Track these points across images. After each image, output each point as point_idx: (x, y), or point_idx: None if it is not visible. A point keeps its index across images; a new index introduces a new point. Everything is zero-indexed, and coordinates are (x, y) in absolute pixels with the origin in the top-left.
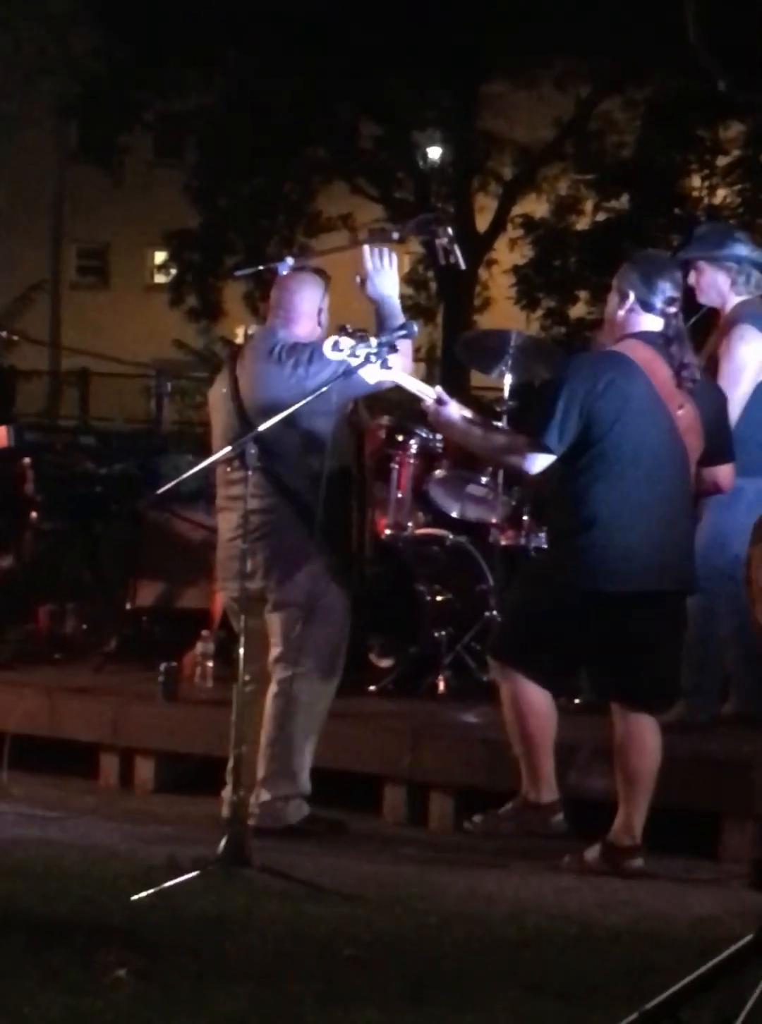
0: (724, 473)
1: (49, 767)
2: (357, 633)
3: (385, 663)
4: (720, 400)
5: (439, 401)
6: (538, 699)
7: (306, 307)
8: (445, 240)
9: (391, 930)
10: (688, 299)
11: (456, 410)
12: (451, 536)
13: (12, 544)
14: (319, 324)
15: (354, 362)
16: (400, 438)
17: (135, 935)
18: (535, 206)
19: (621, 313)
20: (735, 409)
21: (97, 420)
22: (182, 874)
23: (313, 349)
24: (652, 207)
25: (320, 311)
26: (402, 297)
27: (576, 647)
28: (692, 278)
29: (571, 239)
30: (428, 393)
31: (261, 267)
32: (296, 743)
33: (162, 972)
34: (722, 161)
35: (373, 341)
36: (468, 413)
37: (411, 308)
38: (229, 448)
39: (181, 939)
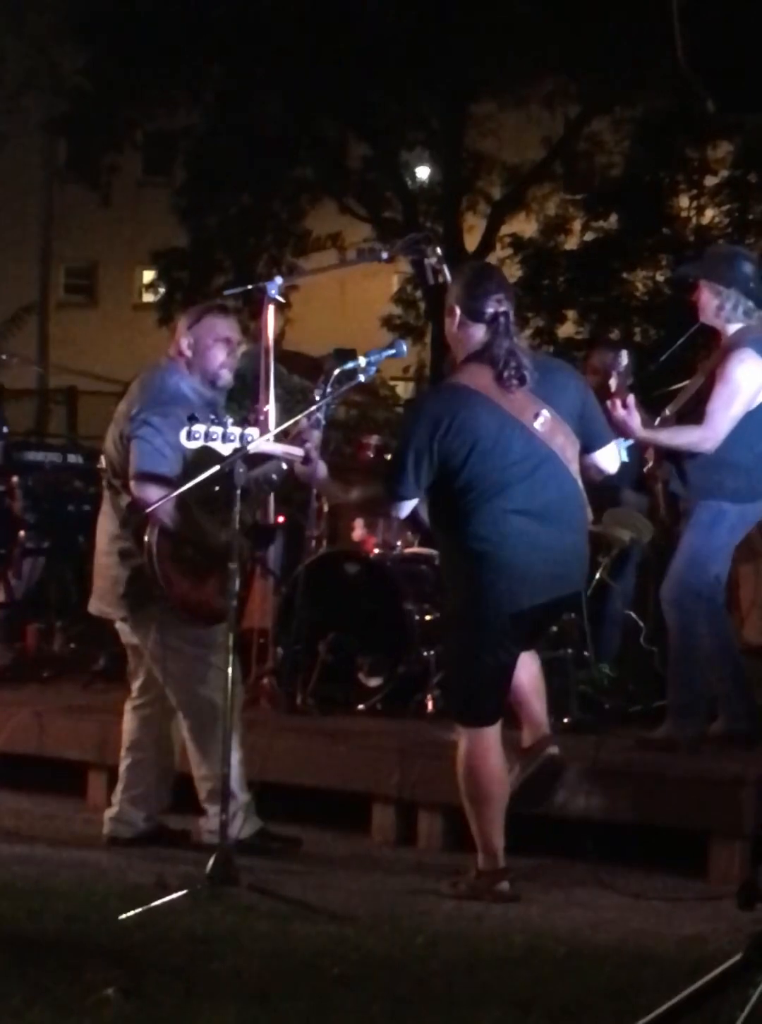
0: (604, 456)
1: (37, 785)
2: (345, 652)
3: (373, 682)
4: (580, 389)
5: (306, 460)
6: (497, 766)
7: (181, 332)
8: (434, 259)
9: (379, 949)
10: (683, 315)
11: (321, 470)
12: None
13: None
14: (205, 352)
15: (214, 445)
16: (388, 457)
17: (122, 954)
18: (524, 226)
19: (455, 331)
20: (722, 431)
21: (85, 438)
22: (170, 893)
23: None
24: (640, 227)
25: (203, 337)
26: (391, 316)
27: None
28: (696, 297)
29: (560, 258)
30: (295, 453)
31: (250, 287)
32: (214, 759)
33: (149, 991)
34: (710, 181)
35: (230, 422)
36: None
37: (400, 327)
38: (217, 467)
39: (168, 958)
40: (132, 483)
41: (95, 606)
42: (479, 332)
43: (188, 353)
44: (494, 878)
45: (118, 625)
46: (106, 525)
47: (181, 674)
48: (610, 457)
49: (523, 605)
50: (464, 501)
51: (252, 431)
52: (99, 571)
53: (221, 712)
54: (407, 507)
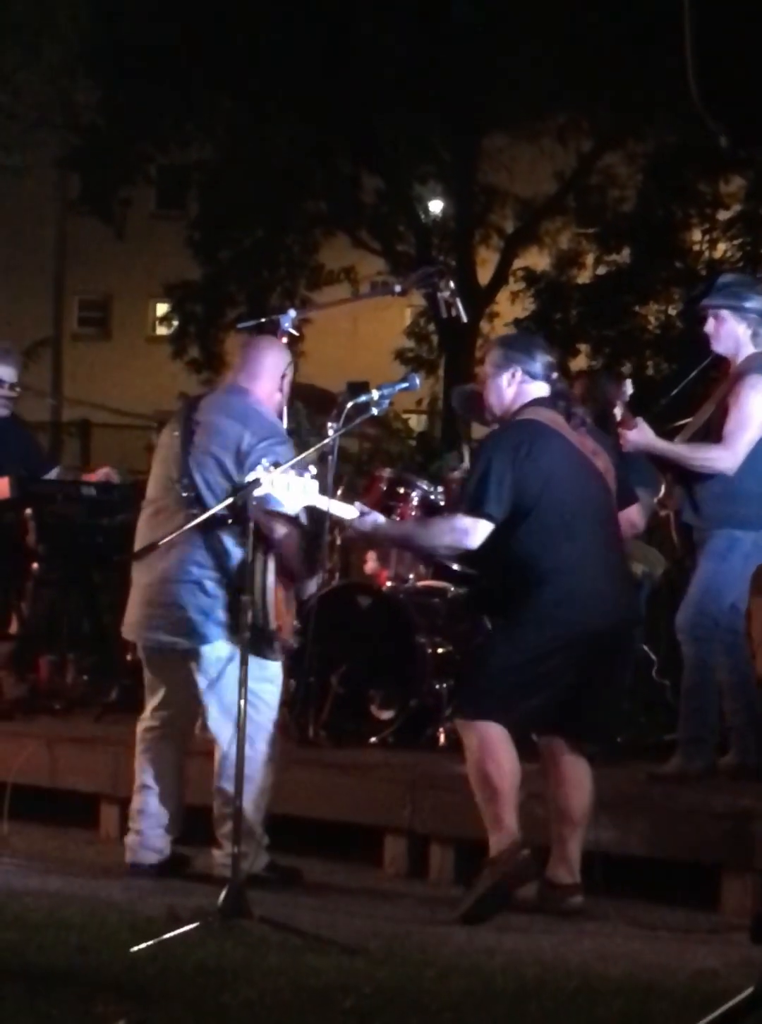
0: (636, 512)
1: (49, 818)
2: (357, 685)
3: (385, 715)
4: (614, 448)
5: (362, 515)
6: (506, 749)
7: (269, 369)
8: (447, 293)
9: (391, 982)
10: (693, 347)
11: (380, 517)
12: (452, 588)
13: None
14: (280, 389)
15: (276, 494)
16: (401, 490)
17: (134, 986)
18: (536, 259)
19: (511, 390)
20: (741, 452)
21: None
22: (181, 925)
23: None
24: (653, 261)
25: (283, 377)
26: (404, 350)
27: (548, 696)
28: (710, 326)
29: (572, 292)
30: (349, 512)
31: (263, 319)
32: (243, 798)
33: (161, 1023)
34: (722, 215)
35: (296, 476)
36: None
37: (413, 360)
38: (230, 500)
39: (180, 991)
40: (261, 517)
41: (148, 635)
42: (539, 387)
43: (264, 387)
44: (512, 851)
45: (153, 654)
46: (185, 553)
47: (236, 708)
48: (639, 514)
49: (594, 625)
50: (544, 528)
51: (312, 483)
52: (164, 598)
53: (267, 742)
54: (483, 532)
